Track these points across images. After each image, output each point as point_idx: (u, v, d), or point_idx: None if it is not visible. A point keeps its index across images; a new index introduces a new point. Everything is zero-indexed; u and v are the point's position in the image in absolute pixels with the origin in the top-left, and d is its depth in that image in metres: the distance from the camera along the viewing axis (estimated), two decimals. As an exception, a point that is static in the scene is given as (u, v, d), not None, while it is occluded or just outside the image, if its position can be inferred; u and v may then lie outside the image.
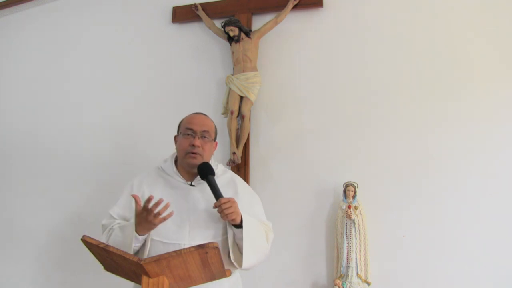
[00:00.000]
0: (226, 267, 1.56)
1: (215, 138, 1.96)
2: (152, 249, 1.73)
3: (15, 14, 3.52)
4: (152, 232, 1.72)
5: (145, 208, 1.60)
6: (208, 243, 1.40)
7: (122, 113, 3.11)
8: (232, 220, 1.68)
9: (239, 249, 1.75)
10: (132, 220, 1.69)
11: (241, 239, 1.69)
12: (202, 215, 1.78)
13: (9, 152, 3.32)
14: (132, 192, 1.79)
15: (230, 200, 1.68)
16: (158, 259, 1.39)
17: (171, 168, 1.90)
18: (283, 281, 2.57)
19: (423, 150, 2.54)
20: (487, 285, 2.32)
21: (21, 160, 3.27)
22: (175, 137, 1.97)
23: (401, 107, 2.63)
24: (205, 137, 1.86)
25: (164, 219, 1.63)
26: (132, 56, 3.18)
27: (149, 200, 1.59)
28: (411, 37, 2.70)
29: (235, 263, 1.73)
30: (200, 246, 1.39)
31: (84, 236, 1.48)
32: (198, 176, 1.83)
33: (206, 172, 1.76)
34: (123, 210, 1.85)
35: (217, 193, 1.70)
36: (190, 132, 1.85)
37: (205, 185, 1.78)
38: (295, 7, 2.83)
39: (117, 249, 1.46)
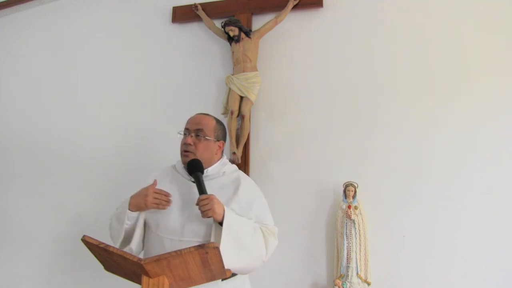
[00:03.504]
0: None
1: (220, 137, 1.96)
2: (147, 239, 1.85)
3: (15, 14, 3.52)
4: (150, 222, 1.83)
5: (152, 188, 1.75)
6: (208, 243, 1.40)
7: (122, 113, 3.11)
8: (210, 217, 1.68)
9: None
10: (128, 196, 1.80)
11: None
12: (197, 211, 1.73)
13: (9, 152, 3.32)
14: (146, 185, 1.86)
15: (209, 197, 1.67)
16: (158, 259, 1.39)
17: (180, 165, 1.95)
18: (283, 281, 2.57)
19: (423, 150, 2.54)
20: (487, 285, 2.32)
21: (21, 160, 3.28)
22: None
23: (401, 107, 2.62)
24: (198, 135, 1.87)
25: (158, 208, 1.76)
26: (131, 56, 3.18)
27: (155, 183, 1.78)
28: (412, 37, 2.69)
29: None
30: (200, 246, 1.39)
31: (84, 236, 1.49)
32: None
33: (194, 169, 1.79)
34: None
35: (200, 190, 1.72)
36: (185, 132, 1.91)
37: (206, 182, 1.79)
38: (295, 7, 2.83)
39: (117, 249, 1.47)
